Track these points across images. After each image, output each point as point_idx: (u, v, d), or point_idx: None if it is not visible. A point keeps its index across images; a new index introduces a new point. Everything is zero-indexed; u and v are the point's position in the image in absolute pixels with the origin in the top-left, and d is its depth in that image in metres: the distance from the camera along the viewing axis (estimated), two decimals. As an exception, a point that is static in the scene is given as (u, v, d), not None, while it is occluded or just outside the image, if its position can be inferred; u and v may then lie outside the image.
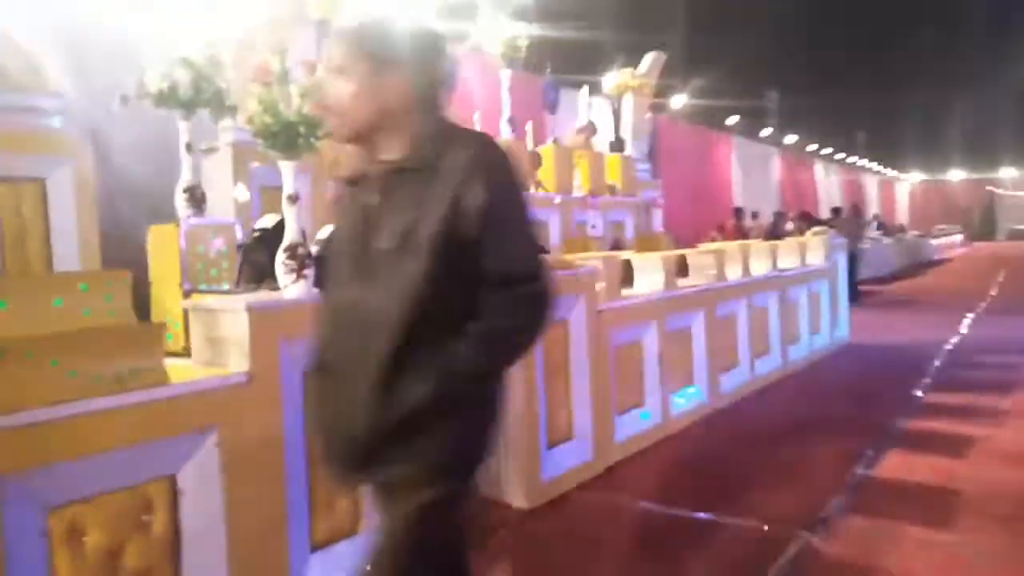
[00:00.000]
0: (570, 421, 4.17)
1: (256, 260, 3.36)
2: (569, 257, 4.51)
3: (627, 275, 5.34)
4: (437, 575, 1.66)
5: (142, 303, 3.65)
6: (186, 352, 2.98)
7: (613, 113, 9.11)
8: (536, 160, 7.51)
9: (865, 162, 38.00)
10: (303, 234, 2.87)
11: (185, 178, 3.79)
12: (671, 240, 9.04)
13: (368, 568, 1.65)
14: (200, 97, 3.76)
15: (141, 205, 4.62)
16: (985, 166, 43.38)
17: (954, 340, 8.44)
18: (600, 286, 4.43)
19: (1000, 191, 45.77)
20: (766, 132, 26.60)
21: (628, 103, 9.24)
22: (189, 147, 3.78)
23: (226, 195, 4.48)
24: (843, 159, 35.38)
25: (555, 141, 7.92)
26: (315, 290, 2.82)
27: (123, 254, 4.16)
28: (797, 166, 30.17)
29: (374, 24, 1.69)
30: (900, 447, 4.67)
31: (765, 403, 5.86)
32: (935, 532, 3.44)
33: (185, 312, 2.91)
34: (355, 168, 1.77)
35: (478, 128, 6.67)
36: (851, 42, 21.06)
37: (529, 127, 7.63)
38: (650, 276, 5.10)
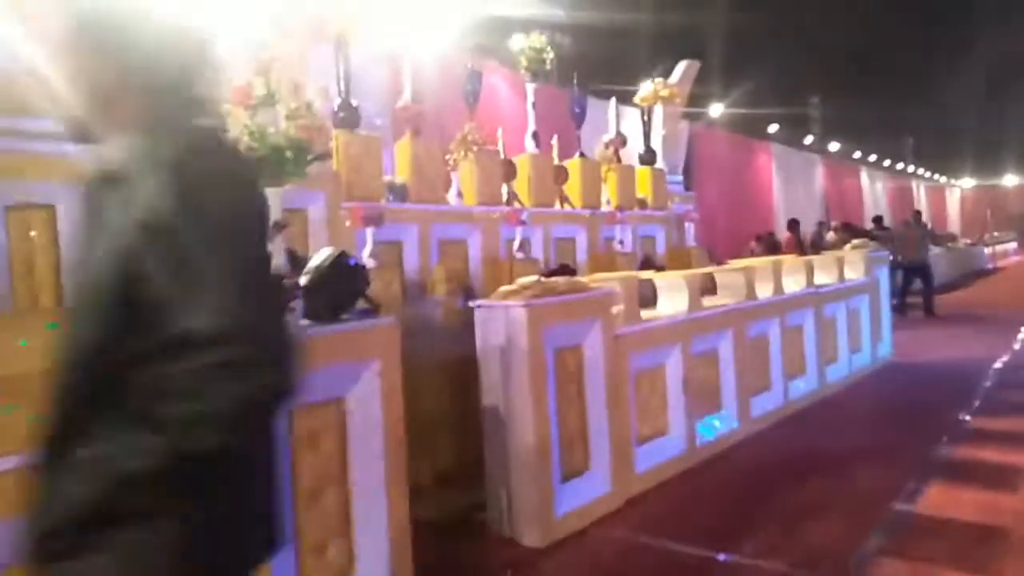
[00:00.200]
0: (587, 452, 3.98)
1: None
2: (585, 279, 4.34)
3: (653, 294, 5.15)
4: None
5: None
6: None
7: (643, 124, 8.90)
8: (562, 174, 7.36)
9: (913, 168, 36.97)
10: (293, 264, 2.76)
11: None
12: (705, 255, 8.78)
13: None
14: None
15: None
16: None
17: (1005, 358, 8.01)
18: (618, 308, 4.24)
19: (1057, 196, 44.13)
20: (809, 139, 26.00)
21: (659, 114, 9.02)
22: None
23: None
24: (890, 166, 34.45)
25: (582, 154, 7.76)
26: (304, 323, 2.70)
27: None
28: (841, 174, 29.45)
29: None
30: (943, 479, 4.38)
31: (799, 429, 5.58)
32: (977, 580, 3.17)
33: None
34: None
35: (501, 144, 6.57)
36: (898, 45, 20.47)
37: (554, 140, 7.48)
38: (674, 296, 4.89)
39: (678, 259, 8.21)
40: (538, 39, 7.03)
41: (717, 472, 4.66)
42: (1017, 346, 8.77)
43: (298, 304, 2.67)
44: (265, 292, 1.29)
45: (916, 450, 4.87)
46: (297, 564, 2.54)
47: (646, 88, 8.95)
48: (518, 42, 7.02)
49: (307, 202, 4.81)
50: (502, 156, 6.65)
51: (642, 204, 8.29)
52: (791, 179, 24.30)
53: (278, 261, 2.69)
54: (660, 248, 8.36)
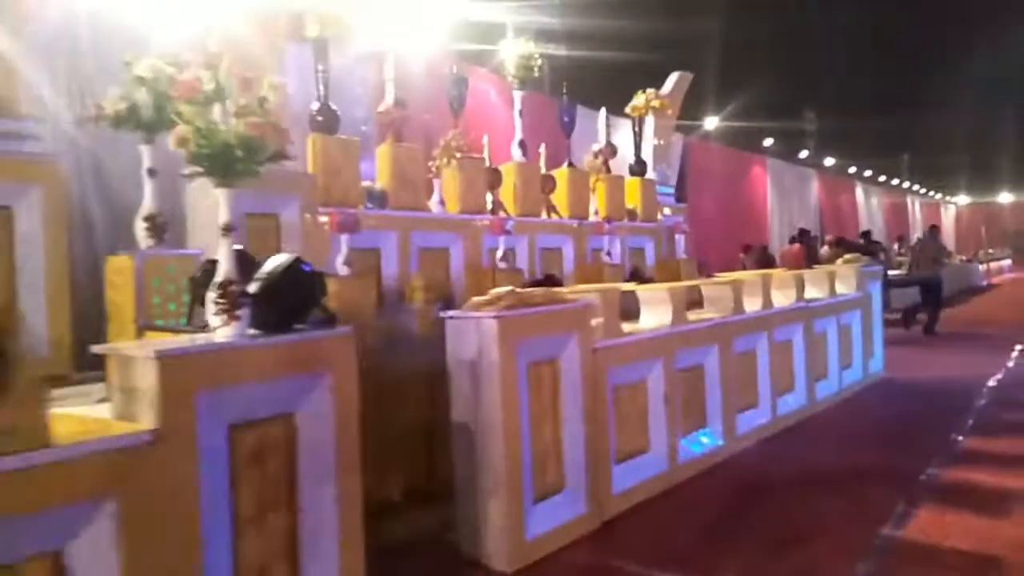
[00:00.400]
0: (561, 471, 3.80)
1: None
2: (561, 290, 4.17)
3: (638, 307, 4.99)
4: None
5: (102, 340, 3.41)
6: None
7: (634, 135, 8.76)
8: (549, 183, 7.21)
9: (909, 184, 36.94)
10: (241, 269, 2.58)
11: (146, 205, 3.56)
12: (694, 267, 8.63)
13: None
14: (165, 118, 3.53)
15: (120, 232, 4.40)
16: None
17: (999, 376, 7.85)
18: (598, 321, 4.08)
19: (1052, 213, 44.12)
20: (804, 154, 25.93)
21: (650, 124, 8.88)
22: (152, 172, 3.56)
23: (211, 224, 4.25)
24: (885, 181, 34.41)
25: (570, 164, 7.61)
26: (251, 332, 2.53)
27: (95, 284, 3.94)
28: (837, 189, 29.39)
29: None
30: (933, 502, 4.20)
31: (786, 448, 5.40)
32: (969, 612, 3.00)
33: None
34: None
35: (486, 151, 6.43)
36: (895, 61, 20.45)
37: (542, 149, 7.33)
38: (658, 309, 4.73)
39: (667, 271, 8.05)
40: (526, 45, 6.89)
41: (699, 493, 4.47)
42: (1011, 364, 8.62)
43: (245, 313, 2.50)
44: None
45: (906, 471, 4.70)
46: (236, 591, 2.36)
47: (637, 98, 8.83)
48: (506, 48, 6.88)
49: (280, 206, 4.65)
50: (487, 164, 6.50)
51: (631, 215, 8.13)
52: (786, 193, 24.22)
53: (226, 266, 2.52)
54: (649, 260, 8.20)
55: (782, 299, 6.10)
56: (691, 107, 13.56)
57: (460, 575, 3.40)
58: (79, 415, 2.37)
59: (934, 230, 13.39)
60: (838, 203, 28.96)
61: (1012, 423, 5.94)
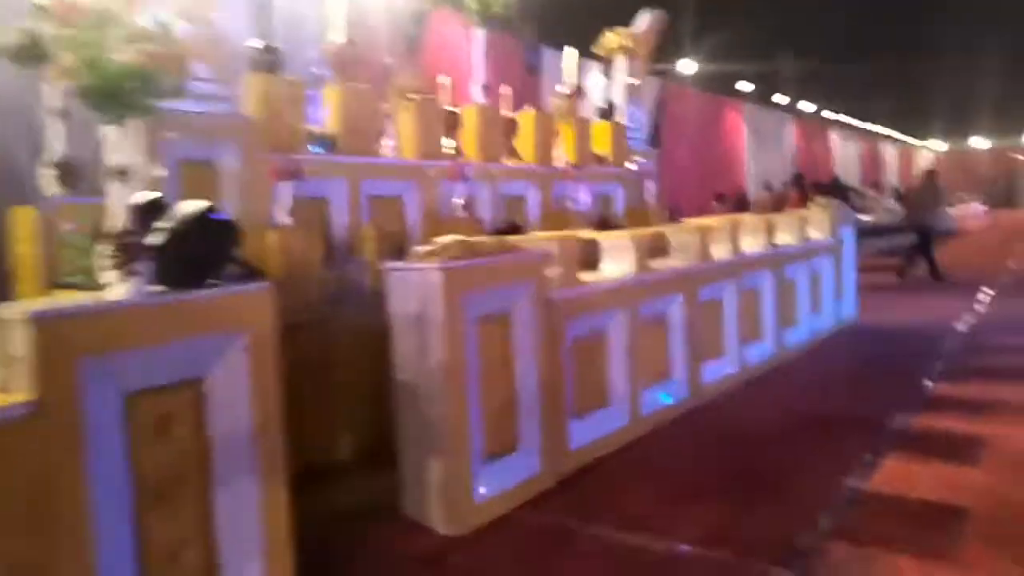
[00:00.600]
0: (514, 429, 3.61)
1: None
2: (514, 238, 3.93)
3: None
4: None
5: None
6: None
7: (604, 76, 8.41)
8: (512, 127, 6.90)
9: (885, 130, 36.76)
10: (141, 218, 2.31)
11: (53, 150, 3.24)
12: (665, 215, 8.40)
13: None
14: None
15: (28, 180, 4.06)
16: (1012, 134, 41.84)
17: (970, 319, 7.78)
18: (554, 271, 3.85)
19: (1024, 158, 44.30)
20: (780, 99, 25.57)
21: (621, 65, 8.52)
22: (60, 112, 3.23)
23: (140, 172, 3.93)
24: (862, 128, 34.19)
25: (535, 107, 7.29)
26: (150, 290, 2.27)
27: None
28: (813, 135, 29.16)
29: None
30: (902, 451, 4.09)
31: (753, 398, 5.26)
32: (934, 566, 2.88)
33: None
34: None
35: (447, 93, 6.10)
36: (871, 2, 20.03)
37: (505, 91, 6.99)
38: (620, 258, 4.50)
39: (637, 219, 7.82)
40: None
41: (661, 447, 4.32)
42: (981, 308, 8.55)
43: (144, 267, 2.23)
44: None
45: (875, 419, 4.58)
46: (141, 575, 2.14)
47: (607, 38, 8.46)
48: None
49: (216, 152, 4.34)
50: (446, 106, 6.17)
51: (600, 161, 7.86)
52: (762, 139, 23.98)
53: (121, 215, 2.24)
54: (619, 207, 7.96)
55: (752, 245, 5.90)
56: (664, 50, 13.16)
57: (405, 541, 3.22)
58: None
59: (932, 175, 12.52)
60: (815, 150, 28.78)
61: (980, 367, 5.87)
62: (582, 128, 7.57)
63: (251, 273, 2.54)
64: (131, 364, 2.14)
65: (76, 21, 2.14)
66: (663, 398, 4.66)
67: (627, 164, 8.14)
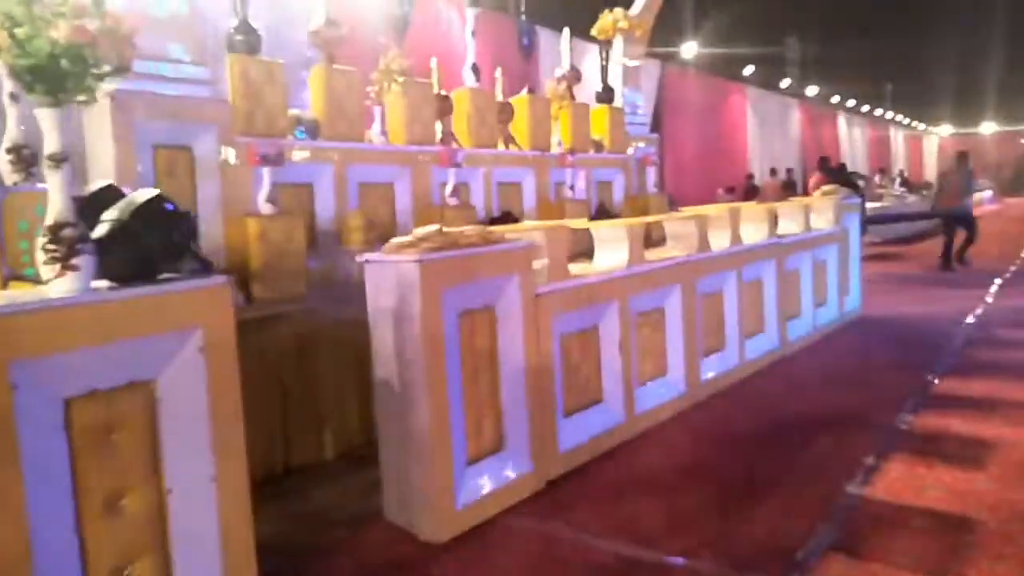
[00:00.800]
0: (500, 429, 3.44)
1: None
2: (500, 228, 3.73)
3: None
4: None
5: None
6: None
7: (601, 59, 8.18)
8: (507, 112, 6.69)
9: (892, 115, 36.33)
10: (82, 209, 2.12)
11: (9, 136, 3.06)
12: (665, 202, 8.20)
13: None
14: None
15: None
16: (1021, 119, 41.35)
17: (978, 311, 7.57)
18: (541, 263, 3.66)
19: (1033, 143, 43.80)
20: (785, 83, 25.22)
21: (618, 48, 8.29)
22: (13, 96, 3.04)
23: (109, 158, 3.75)
24: (868, 112, 33.79)
25: (530, 90, 7.07)
26: (94, 285, 2.09)
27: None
28: (819, 119, 28.80)
29: None
30: (906, 453, 3.90)
31: (753, 394, 5.07)
32: (938, 584, 2.71)
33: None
34: None
35: (435, 75, 5.89)
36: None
37: (499, 74, 6.78)
38: (613, 249, 4.31)
39: (637, 207, 7.63)
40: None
41: (656, 447, 4.14)
42: (990, 299, 8.34)
43: (85, 262, 2.05)
44: None
45: (880, 418, 4.41)
46: (82, 594, 1.98)
47: (604, 19, 8.22)
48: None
49: (192, 137, 4.16)
50: (437, 90, 5.97)
51: (598, 147, 7.65)
52: (767, 124, 23.68)
53: (58, 206, 2.06)
54: (618, 195, 7.76)
55: (753, 235, 5.70)
56: (666, 32, 12.87)
57: (384, 548, 3.06)
58: None
59: (963, 157, 11.92)
60: (820, 134, 28.45)
61: (988, 363, 5.66)
62: (579, 112, 7.35)
63: (207, 267, 2.36)
64: (72, 366, 1.96)
65: (6, -8, 1.95)
66: (659, 394, 4.47)
67: (627, 150, 7.93)
